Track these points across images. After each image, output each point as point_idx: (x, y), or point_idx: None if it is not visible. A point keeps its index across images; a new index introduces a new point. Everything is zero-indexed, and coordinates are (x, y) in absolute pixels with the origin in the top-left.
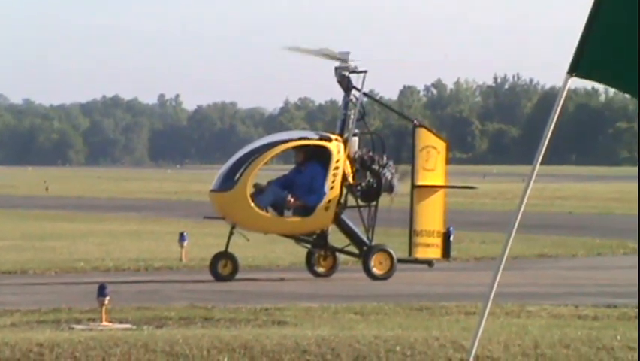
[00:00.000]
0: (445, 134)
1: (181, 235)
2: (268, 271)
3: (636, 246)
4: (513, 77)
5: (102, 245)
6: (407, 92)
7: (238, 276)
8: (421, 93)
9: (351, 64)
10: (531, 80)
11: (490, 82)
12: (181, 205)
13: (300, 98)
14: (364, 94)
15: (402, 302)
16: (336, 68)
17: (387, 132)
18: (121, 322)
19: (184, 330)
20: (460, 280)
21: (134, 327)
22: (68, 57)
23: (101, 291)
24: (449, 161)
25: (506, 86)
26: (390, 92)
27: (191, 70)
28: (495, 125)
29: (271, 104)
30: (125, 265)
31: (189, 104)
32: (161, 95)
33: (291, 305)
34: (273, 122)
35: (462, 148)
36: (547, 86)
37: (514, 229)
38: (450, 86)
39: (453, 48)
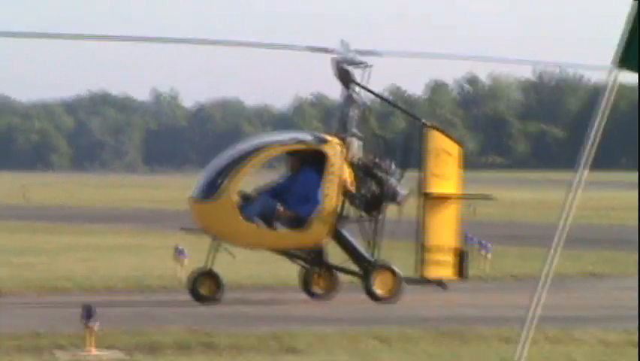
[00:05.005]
0: (480, 135)
1: (179, 250)
2: (276, 291)
3: None
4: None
5: (88, 261)
6: (437, 87)
7: (242, 296)
8: (452, 88)
9: (350, 55)
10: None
11: (530, 76)
12: (178, 216)
13: (312, 94)
14: (366, 89)
15: (429, 326)
16: (333, 60)
17: (414, 134)
18: (109, 348)
19: (182, 358)
20: (495, 301)
21: (125, 355)
22: (50, 47)
23: (88, 313)
24: (466, 166)
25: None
26: (417, 88)
27: (188, 61)
28: (537, 125)
29: (279, 101)
30: (115, 284)
31: (187, 101)
32: (154, 90)
33: (304, 330)
34: (285, 120)
35: (499, 151)
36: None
37: (558, 244)
38: (484, 80)
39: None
